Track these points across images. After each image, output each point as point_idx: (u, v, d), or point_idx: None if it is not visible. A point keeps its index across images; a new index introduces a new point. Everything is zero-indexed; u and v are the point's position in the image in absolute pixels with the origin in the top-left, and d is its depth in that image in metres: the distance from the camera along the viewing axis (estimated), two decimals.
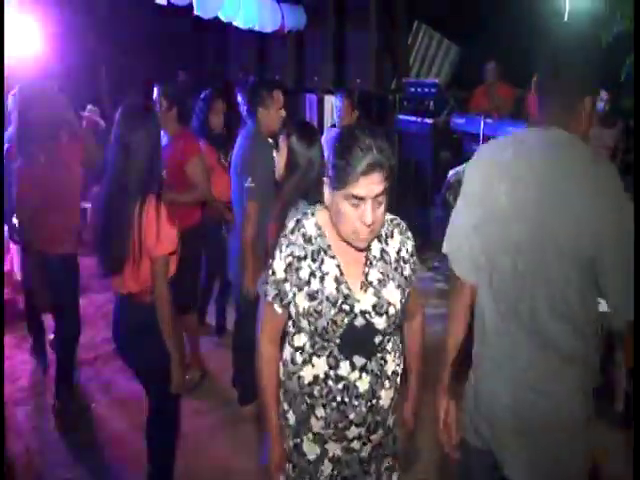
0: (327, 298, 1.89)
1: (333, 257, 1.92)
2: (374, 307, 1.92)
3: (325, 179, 1.86)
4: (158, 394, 2.94)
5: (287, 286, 1.93)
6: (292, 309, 1.95)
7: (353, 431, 1.98)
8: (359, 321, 1.91)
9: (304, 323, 1.92)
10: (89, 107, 5.79)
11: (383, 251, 2.00)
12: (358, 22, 9.08)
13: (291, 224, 1.97)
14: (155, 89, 4.11)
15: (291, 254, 1.92)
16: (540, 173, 1.85)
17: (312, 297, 1.90)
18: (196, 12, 6.86)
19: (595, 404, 3.93)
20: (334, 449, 2.01)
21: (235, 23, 7.56)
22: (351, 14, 9.32)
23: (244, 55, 10.11)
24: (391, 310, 1.94)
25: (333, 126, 5.25)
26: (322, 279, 1.90)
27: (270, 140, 3.72)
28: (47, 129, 3.65)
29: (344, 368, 1.93)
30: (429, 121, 7.14)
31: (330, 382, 1.94)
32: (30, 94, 3.70)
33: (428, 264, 6.71)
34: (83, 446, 3.62)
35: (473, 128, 6.62)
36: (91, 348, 4.54)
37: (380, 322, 1.93)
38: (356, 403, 1.95)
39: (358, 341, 1.93)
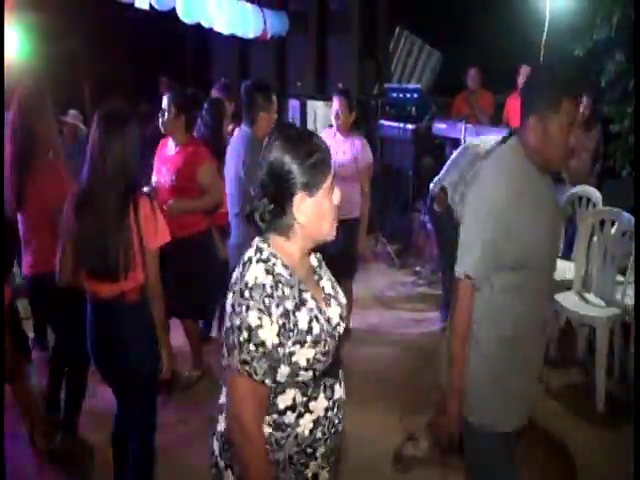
0: (326, 333, 1.76)
1: (306, 290, 1.78)
2: (340, 316, 1.89)
3: (298, 196, 1.69)
4: (139, 399, 2.95)
5: (280, 351, 1.67)
6: (284, 371, 1.70)
7: (337, 441, 1.94)
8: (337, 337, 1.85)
9: (306, 376, 1.74)
10: (71, 112, 5.78)
11: (313, 256, 1.97)
12: (340, 28, 9.10)
13: (267, 280, 1.67)
14: (164, 97, 4.14)
15: (284, 313, 1.67)
16: None
17: (316, 342, 1.72)
18: (180, 17, 6.86)
19: (577, 405, 3.98)
20: (324, 477, 1.94)
21: (217, 28, 7.55)
22: (333, 20, 9.35)
23: (226, 60, 10.10)
24: (345, 311, 1.93)
25: (330, 126, 5.17)
26: (317, 318, 1.75)
27: None
28: (47, 143, 3.38)
29: (337, 390, 1.87)
30: (411, 126, 7.16)
31: (330, 413, 1.85)
32: (34, 100, 3.34)
33: (410, 269, 6.75)
34: (64, 456, 3.59)
35: (455, 133, 6.67)
36: None
37: (342, 328, 1.90)
38: (341, 412, 1.91)
39: (337, 356, 1.89)
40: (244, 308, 1.64)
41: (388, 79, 8.85)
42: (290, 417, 1.77)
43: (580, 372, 4.53)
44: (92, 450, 3.60)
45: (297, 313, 1.69)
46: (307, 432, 1.80)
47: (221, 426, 1.86)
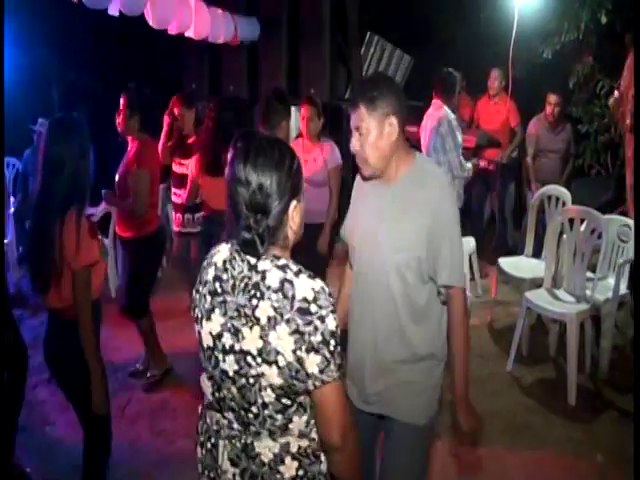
0: None
1: None
2: None
3: (293, 204, 1.69)
4: (85, 416, 2.89)
5: None
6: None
7: None
8: None
9: None
10: (40, 120, 5.74)
11: None
12: (312, 34, 9.13)
13: (320, 283, 1.66)
14: (121, 97, 4.18)
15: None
16: None
17: None
18: (149, 23, 6.83)
19: (549, 399, 4.02)
20: None
21: (187, 34, 7.54)
22: (305, 26, 9.38)
23: (197, 65, 10.06)
24: None
25: (299, 136, 5.20)
26: None
27: None
28: None
29: None
30: None
31: None
32: None
33: None
34: (42, 465, 3.54)
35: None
36: (45, 368, 4.38)
37: None
38: None
39: None
40: (318, 322, 1.59)
41: None
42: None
43: (551, 367, 4.59)
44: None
45: None
46: None
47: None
